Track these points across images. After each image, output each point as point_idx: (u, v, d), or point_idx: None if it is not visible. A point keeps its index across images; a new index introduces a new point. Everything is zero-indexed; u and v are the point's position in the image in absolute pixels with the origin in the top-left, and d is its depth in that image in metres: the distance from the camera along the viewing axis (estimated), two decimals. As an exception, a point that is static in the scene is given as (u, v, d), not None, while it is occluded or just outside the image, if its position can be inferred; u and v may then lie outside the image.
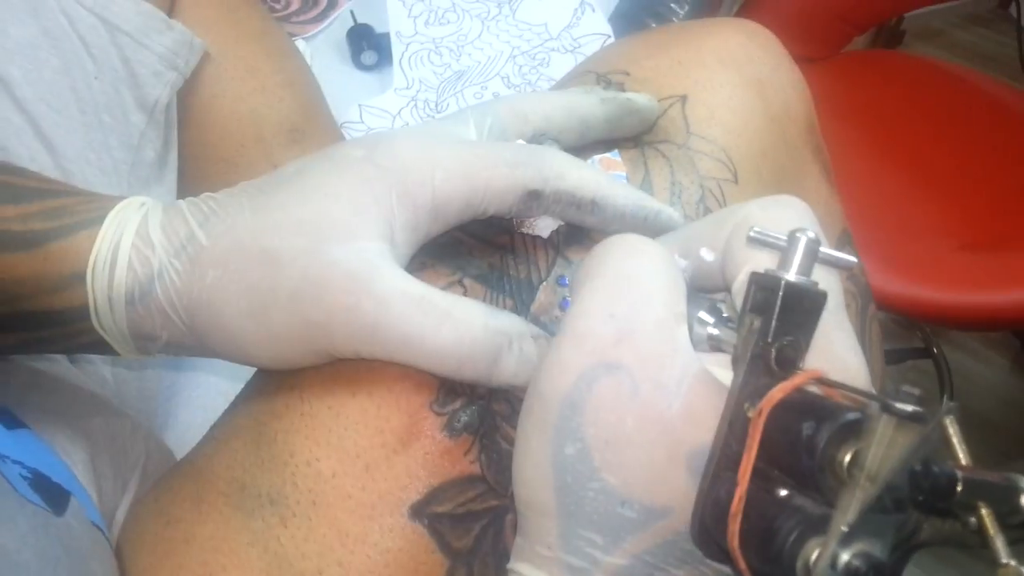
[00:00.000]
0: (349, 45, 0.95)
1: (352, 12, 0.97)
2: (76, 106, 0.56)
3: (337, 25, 0.97)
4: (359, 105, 0.89)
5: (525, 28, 0.94)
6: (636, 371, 0.31)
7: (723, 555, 0.30)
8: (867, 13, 1.36)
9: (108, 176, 0.57)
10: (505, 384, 0.38)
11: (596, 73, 0.51)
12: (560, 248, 0.44)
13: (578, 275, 0.35)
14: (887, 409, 0.23)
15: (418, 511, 0.39)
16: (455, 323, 0.37)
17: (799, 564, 0.25)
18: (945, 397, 1.37)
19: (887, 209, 1.20)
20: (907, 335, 1.52)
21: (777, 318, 0.29)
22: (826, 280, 0.31)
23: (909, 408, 0.23)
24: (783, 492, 0.28)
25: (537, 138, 0.44)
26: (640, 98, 0.47)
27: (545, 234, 0.44)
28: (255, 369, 0.45)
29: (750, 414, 0.28)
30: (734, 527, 0.28)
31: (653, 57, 0.51)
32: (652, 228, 0.42)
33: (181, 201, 0.40)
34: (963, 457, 0.24)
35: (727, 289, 0.36)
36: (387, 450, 0.39)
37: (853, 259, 0.32)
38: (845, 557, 0.24)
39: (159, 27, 0.59)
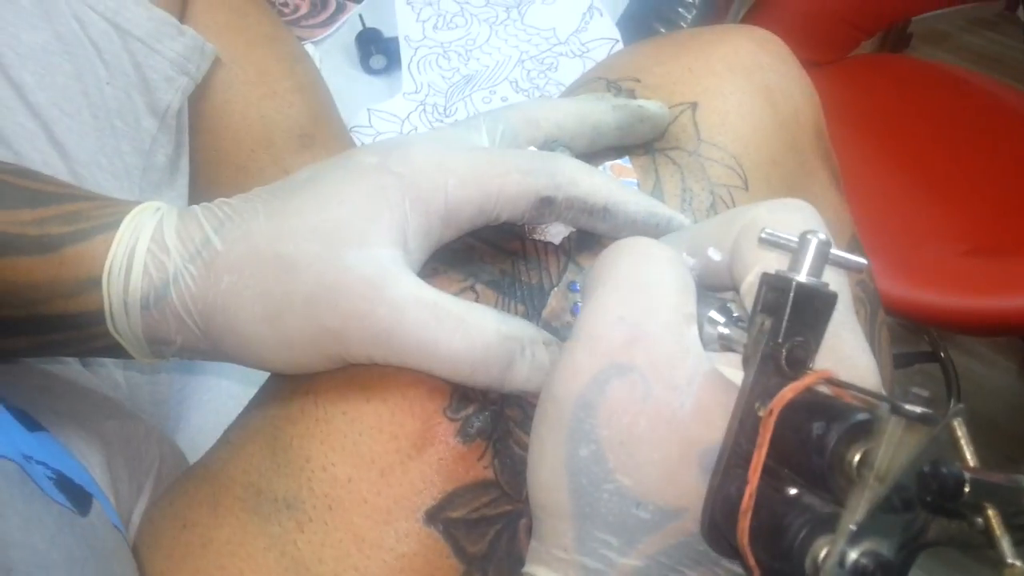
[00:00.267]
0: (358, 49, 0.95)
1: (361, 16, 0.97)
2: (88, 111, 0.57)
3: (346, 29, 0.98)
4: (368, 109, 0.90)
5: (533, 32, 0.95)
6: (648, 372, 0.32)
7: (732, 551, 0.31)
8: (874, 17, 1.36)
9: (120, 180, 0.58)
10: (517, 390, 0.38)
11: (607, 80, 0.52)
12: (571, 254, 0.45)
13: (588, 279, 0.36)
14: (896, 410, 0.23)
15: (433, 516, 0.39)
16: (468, 329, 0.37)
17: (808, 562, 0.26)
18: (952, 400, 1.37)
19: (893, 213, 1.20)
20: (914, 339, 1.52)
21: (788, 319, 0.29)
22: (836, 281, 0.32)
23: (918, 409, 0.23)
24: (792, 491, 0.28)
25: (549, 145, 0.45)
26: (651, 105, 0.47)
27: (557, 240, 0.44)
28: (267, 374, 0.45)
29: (761, 413, 0.29)
30: (744, 524, 0.28)
31: (664, 64, 0.52)
32: (663, 235, 0.42)
33: (196, 206, 0.40)
34: (971, 458, 0.24)
35: (735, 288, 0.36)
36: (402, 455, 0.39)
37: (863, 260, 0.32)
38: (853, 555, 0.24)
39: (171, 33, 0.60)
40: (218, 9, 0.67)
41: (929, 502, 0.23)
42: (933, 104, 1.34)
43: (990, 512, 0.23)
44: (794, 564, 0.26)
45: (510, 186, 0.39)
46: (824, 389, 0.29)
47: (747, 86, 0.51)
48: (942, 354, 1.47)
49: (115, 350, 0.40)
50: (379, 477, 0.39)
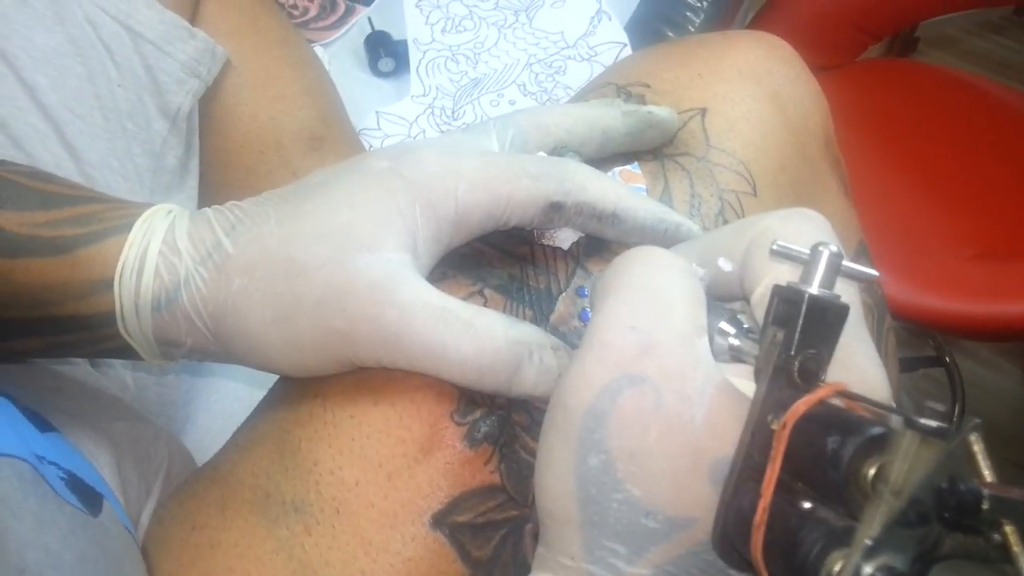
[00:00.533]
0: (367, 52, 0.96)
1: (370, 19, 0.97)
2: (100, 113, 0.57)
3: (355, 32, 0.98)
4: (376, 112, 0.90)
5: (542, 36, 0.95)
6: (659, 383, 0.32)
7: (744, 564, 0.31)
8: (882, 22, 1.36)
9: (130, 182, 0.58)
10: (525, 395, 0.39)
11: (616, 85, 0.52)
12: (580, 259, 0.45)
13: (599, 288, 0.36)
14: (911, 425, 0.23)
15: (439, 520, 0.39)
16: (476, 334, 0.37)
17: (823, 575, 0.26)
18: (957, 405, 1.37)
19: (900, 218, 1.20)
20: (919, 343, 1.51)
21: (800, 331, 0.29)
22: (846, 293, 0.32)
23: (933, 424, 0.23)
24: (807, 504, 0.28)
25: (558, 150, 0.45)
26: (661, 111, 0.47)
27: (565, 246, 0.44)
28: (275, 376, 0.45)
29: (774, 426, 0.29)
30: (758, 538, 0.28)
31: (673, 70, 0.52)
32: (672, 241, 0.42)
33: (207, 209, 0.40)
34: (988, 474, 0.24)
35: (745, 299, 0.36)
36: (409, 459, 0.39)
37: (875, 272, 0.32)
38: (868, 570, 0.24)
39: (182, 35, 0.60)
40: (229, 12, 0.67)
41: (946, 518, 0.23)
42: (940, 108, 1.34)
43: (1007, 528, 0.23)
44: (808, 578, 0.26)
45: (520, 191, 0.39)
46: (837, 402, 0.29)
47: (756, 92, 0.51)
48: (947, 359, 1.47)
49: (126, 351, 0.40)
50: (386, 481, 0.39)
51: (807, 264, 0.30)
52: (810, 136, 0.53)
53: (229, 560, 0.40)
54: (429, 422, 0.40)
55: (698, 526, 0.31)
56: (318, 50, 0.92)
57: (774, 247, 0.32)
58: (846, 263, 0.31)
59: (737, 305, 0.37)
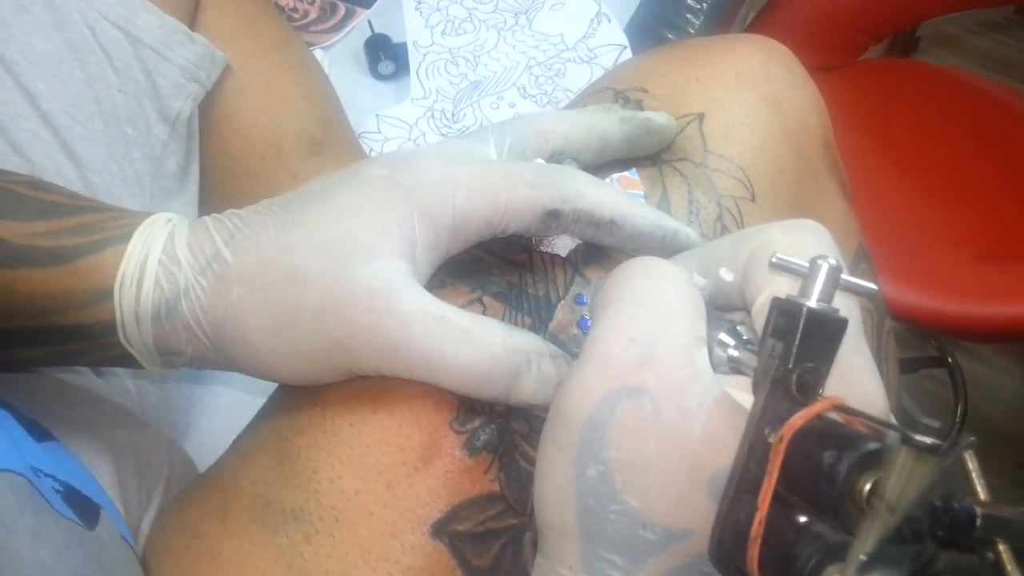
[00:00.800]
0: (366, 55, 0.96)
1: (370, 22, 0.98)
2: (100, 118, 0.57)
3: (355, 35, 0.98)
4: (376, 115, 0.90)
5: (541, 39, 0.95)
6: (658, 395, 0.32)
7: (740, 575, 0.31)
8: (882, 23, 1.35)
9: (130, 187, 0.58)
10: (524, 403, 0.39)
11: (614, 90, 0.52)
12: (578, 266, 0.45)
13: (599, 298, 0.36)
14: (907, 441, 0.23)
15: (439, 529, 0.39)
16: (475, 342, 0.37)
17: None
18: (959, 406, 1.37)
19: (900, 219, 1.20)
20: (921, 344, 1.51)
21: (798, 344, 0.29)
22: (845, 306, 0.32)
23: (929, 441, 0.23)
24: (803, 518, 0.28)
25: (556, 157, 0.45)
26: (659, 117, 0.47)
27: (563, 253, 0.44)
28: (275, 383, 0.45)
29: (771, 439, 0.29)
30: (754, 551, 0.28)
31: (671, 74, 0.52)
32: (670, 247, 0.42)
33: (207, 218, 0.40)
34: (982, 492, 0.24)
35: (745, 309, 0.36)
36: (408, 468, 0.40)
37: (874, 287, 0.32)
38: (863, 585, 0.24)
39: (181, 40, 0.60)
40: (228, 17, 0.67)
41: (940, 535, 0.23)
42: (941, 109, 1.34)
43: (1001, 547, 0.23)
44: (804, 592, 0.26)
45: (517, 199, 0.39)
46: (834, 416, 0.29)
47: (755, 97, 0.51)
48: (949, 359, 1.47)
49: (126, 360, 0.40)
50: (385, 490, 0.39)
51: (806, 277, 0.30)
52: (809, 140, 0.53)
53: (229, 569, 0.40)
54: (428, 430, 0.40)
55: (695, 538, 0.31)
56: (318, 53, 0.92)
57: (773, 260, 0.32)
58: (845, 276, 0.31)
59: (737, 316, 0.37)
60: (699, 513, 0.31)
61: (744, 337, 0.35)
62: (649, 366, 0.32)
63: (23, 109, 0.54)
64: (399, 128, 0.89)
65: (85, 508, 0.40)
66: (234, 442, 0.47)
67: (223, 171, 0.68)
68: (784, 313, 0.30)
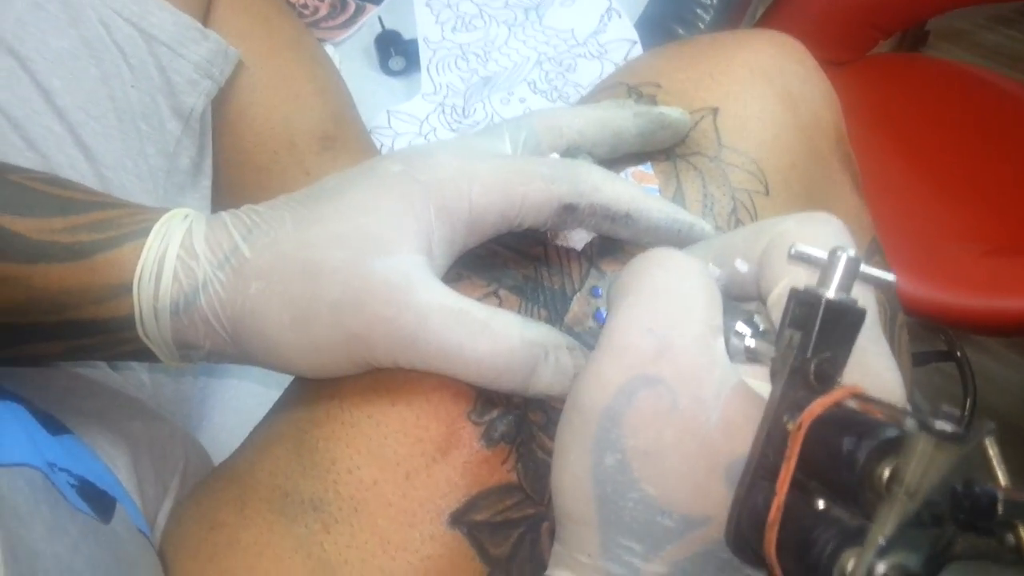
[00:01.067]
0: (377, 51, 0.96)
1: (380, 18, 0.98)
2: (114, 114, 0.57)
3: (365, 31, 0.98)
4: (387, 111, 0.90)
5: (552, 34, 0.95)
6: (675, 384, 0.32)
7: (758, 560, 0.31)
8: (893, 17, 1.35)
9: (144, 182, 0.59)
10: (541, 394, 0.39)
11: (628, 85, 0.52)
12: (593, 259, 0.45)
13: (615, 289, 0.36)
14: (926, 428, 0.24)
15: (457, 519, 0.40)
16: (492, 335, 0.37)
17: (835, 574, 0.26)
18: (968, 399, 1.37)
19: (911, 213, 1.20)
20: (930, 337, 1.51)
21: (817, 334, 0.29)
22: (863, 296, 0.32)
23: (948, 428, 0.23)
24: (821, 503, 0.28)
25: (571, 152, 0.45)
26: (673, 112, 0.48)
27: (579, 246, 0.45)
28: (290, 375, 0.46)
29: (789, 427, 0.29)
30: (771, 536, 0.29)
31: (685, 69, 0.52)
32: (685, 241, 0.42)
33: (224, 213, 0.41)
34: (1002, 477, 0.24)
35: (760, 299, 0.36)
36: (427, 459, 0.40)
37: (892, 277, 0.32)
38: (881, 568, 0.24)
39: (195, 37, 0.61)
40: (241, 13, 0.68)
41: (960, 519, 0.24)
42: (952, 103, 1.33)
43: (1022, 531, 0.24)
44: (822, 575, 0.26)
45: (533, 193, 0.39)
46: (852, 404, 0.29)
47: (768, 91, 0.51)
48: (958, 353, 1.47)
49: (144, 354, 0.41)
50: (404, 480, 0.40)
51: (825, 268, 0.30)
52: (822, 134, 0.53)
53: (248, 559, 0.40)
54: (446, 422, 0.40)
55: (713, 524, 0.32)
56: (328, 49, 0.92)
57: (792, 251, 0.32)
58: (864, 268, 0.31)
59: (752, 306, 0.37)
60: (716, 500, 0.31)
61: (760, 327, 0.35)
62: (666, 356, 0.32)
63: (38, 105, 0.55)
64: (410, 123, 0.89)
65: (100, 501, 0.40)
66: (251, 434, 0.47)
67: (236, 166, 0.68)
68: (802, 303, 0.30)
